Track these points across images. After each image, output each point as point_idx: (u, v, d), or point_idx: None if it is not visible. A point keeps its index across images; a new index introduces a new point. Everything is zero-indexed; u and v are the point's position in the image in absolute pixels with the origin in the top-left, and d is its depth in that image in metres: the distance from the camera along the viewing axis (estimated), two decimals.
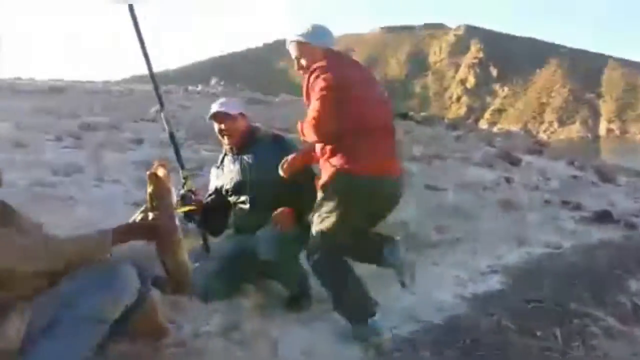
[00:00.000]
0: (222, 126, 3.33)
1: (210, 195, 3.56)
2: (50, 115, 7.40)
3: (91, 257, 2.06)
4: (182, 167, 3.40)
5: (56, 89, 10.46)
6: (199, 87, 13.14)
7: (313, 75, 2.79)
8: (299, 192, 3.22)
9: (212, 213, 3.44)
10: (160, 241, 2.28)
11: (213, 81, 18.98)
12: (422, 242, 4.78)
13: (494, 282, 3.99)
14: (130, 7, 3.32)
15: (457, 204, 6.22)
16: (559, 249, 5.02)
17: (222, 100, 3.49)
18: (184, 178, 3.34)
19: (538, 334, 3.00)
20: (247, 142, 3.38)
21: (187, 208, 2.92)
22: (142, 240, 2.24)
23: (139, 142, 6.49)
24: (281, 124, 9.97)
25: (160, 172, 2.22)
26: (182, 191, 3.22)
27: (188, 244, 2.52)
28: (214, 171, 3.61)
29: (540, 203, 6.81)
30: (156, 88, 3.45)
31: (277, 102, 13.69)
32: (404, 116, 14.91)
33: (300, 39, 2.96)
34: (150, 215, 2.21)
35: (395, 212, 5.40)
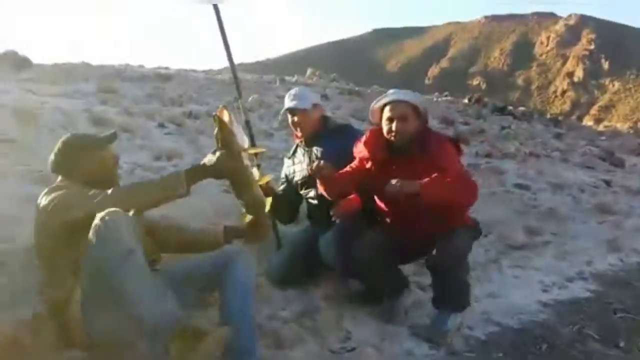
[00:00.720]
0: (295, 119, 3.42)
1: (282, 183, 3.66)
2: (156, 102, 7.88)
3: (168, 195, 2.20)
4: (256, 156, 3.53)
5: (162, 77, 11.06)
6: (295, 78, 13.44)
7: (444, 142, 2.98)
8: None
9: (282, 202, 3.52)
10: (231, 180, 2.44)
11: (308, 71, 19.31)
12: (509, 243, 4.72)
13: (580, 289, 3.87)
14: (215, 7, 3.54)
15: (550, 205, 6.02)
16: None
17: (294, 92, 3.53)
18: (255, 154, 3.42)
19: (621, 344, 2.91)
20: (317, 133, 3.45)
21: (254, 150, 2.97)
22: (213, 178, 2.35)
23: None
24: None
25: (225, 115, 2.34)
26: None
27: (262, 180, 2.70)
28: (286, 161, 3.70)
29: None
30: (235, 77, 3.68)
31: (369, 94, 13.69)
32: (502, 110, 14.39)
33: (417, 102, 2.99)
34: (217, 155, 2.31)
35: (484, 210, 5.39)
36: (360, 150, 3.06)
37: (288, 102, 3.44)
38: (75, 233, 2.12)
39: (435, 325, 2.92)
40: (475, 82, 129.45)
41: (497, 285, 3.81)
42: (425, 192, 2.68)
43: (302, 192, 3.53)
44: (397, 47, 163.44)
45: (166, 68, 15.14)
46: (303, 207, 3.74)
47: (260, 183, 2.70)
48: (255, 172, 2.64)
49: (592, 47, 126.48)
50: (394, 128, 2.90)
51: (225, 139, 2.32)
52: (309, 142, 3.47)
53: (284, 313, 3.01)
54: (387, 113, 2.96)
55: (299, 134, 3.49)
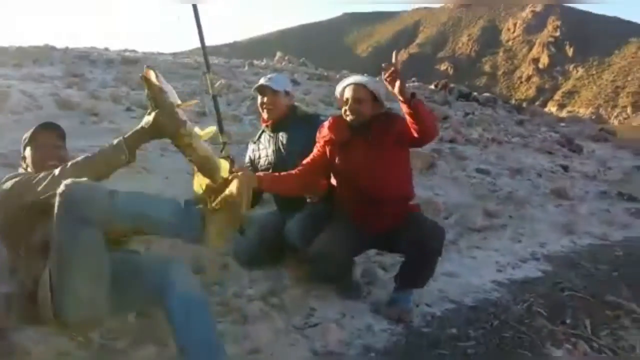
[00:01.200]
0: (265, 99, 3.45)
1: (248, 166, 3.63)
2: (124, 86, 7.84)
3: (113, 164, 2.24)
4: (221, 132, 3.57)
5: (129, 60, 10.93)
6: (264, 62, 13.43)
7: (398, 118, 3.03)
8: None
9: None
10: (172, 138, 2.41)
11: (278, 55, 19.21)
12: (468, 226, 4.90)
13: (533, 269, 4.05)
14: (194, 7, 3.56)
15: (509, 190, 6.24)
16: (605, 240, 4.98)
17: (270, 75, 3.57)
18: (223, 144, 3.50)
19: (567, 321, 3.06)
20: (284, 120, 3.48)
21: (187, 104, 2.95)
22: (152, 138, 2.38)
23: (203, 114, 6.80)
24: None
25: (152, 75, 2.34)
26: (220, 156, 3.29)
27: (205, 134, 2.73)
28: (251, 145, 3.73)
29: (596, 194, 6.70)
30: (204, 50, 3.61)
31: (337, 79, 13.75)
32: (467, 96, 14.62)
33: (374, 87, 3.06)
34: (152, 115, 2.32)
35: (445, 195, 5.57)
36: (323, 134, 3.15)
37: (261, 81, 3.47)
38: (32, 217, 2.17)
39: (400, 303, 3.06)
40: (443, 68, 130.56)
41: (455, 265, 3.96)
42: (420, 104, 2.81)
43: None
44: (367, 31, 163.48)
45: (133, 51, 14.92)
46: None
47: (202, 134, 2.60)
48: (197, 129, 2.63)
49: (558, 33, 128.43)
50: (348, 108, 3.02)
51: (157, 97, 2.35)
52: (275, 128, 3.50)
53: (250, 291, 3.11)
54: (345, 95, 3.07)
55: (266, 117, 3.51)
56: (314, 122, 3.48)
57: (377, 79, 3.33)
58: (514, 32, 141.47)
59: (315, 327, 2.84)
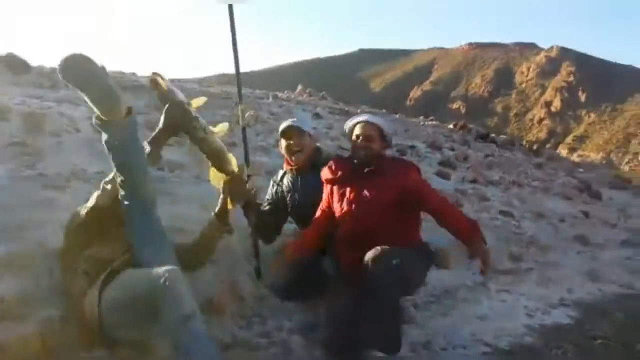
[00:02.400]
0: (292, 142, 3.46)
1: (267, 203, 3.67)
2: (155, 113, 7.99)
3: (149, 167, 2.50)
4: (248, 165, 3.52)
5: None
6: (287, 94, 13.68)
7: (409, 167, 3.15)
8: None
9: (266, 220, 3.55)
10: (187, 133, 2.67)
11: (299, 88, 19.51)
12: (495, 268, 4.93)
13: (563, 316, 4.05)
14: (230, 7, 3.64)
15: (532, 234, 6.28)
16: (631, 289, 4.97)
17: (294, 119, 3.57)
18: (248, 176, 3.39)
19: None
20: (309, 165, 3.50)
21: (198, 100, 2.95)
22: (169, 136, 2.64)
23: (233, 145, 6.90)
24: None
25: (159, 78, 2.58)
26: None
27: (220, 130, 2.87)
28: (271, 187, 3.73)
29: (618, 242, 6.72)
30: (239, 83, 3.60)
31: (358, 114, 13.96)
32: (485, 137, 14.75)
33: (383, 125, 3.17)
34: (163, 116, 2.60)
35: None
36: (325, 173, 3.24)
37: (284, 123, 3.51)
38: (79, 233, 2.49)
39: None
40: (455, 107, 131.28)
41: (485, 309, 3.99)
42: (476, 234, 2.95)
43: (294, 217, 3.65)
44: (382, 67, 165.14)
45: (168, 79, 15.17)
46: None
47: (217, 131, 2.87)
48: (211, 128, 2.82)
49: (571, 79, 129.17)
50: (359, 144, 3.12)
51: (166, 96, 2.58)
52: (300, 172, 3.52)
53: (288, 324, 3.19)
54: (356, 131, 3.16)
55: (294, 160, 3.51)
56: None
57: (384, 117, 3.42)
58: (527, 75, 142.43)
59: None
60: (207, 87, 13.99)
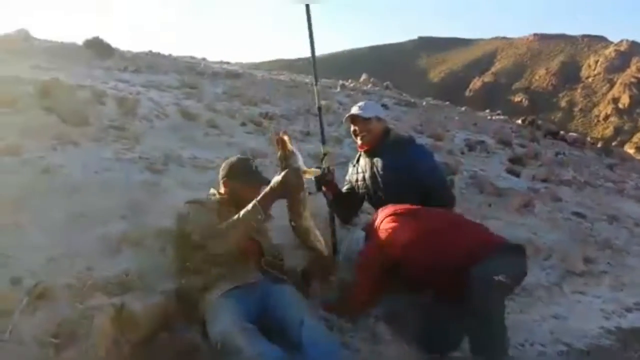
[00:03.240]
0: (356, 128, 3.65)
1: (345, 186, 3.88)
2: (235, 100, 8.32)
3: (253, 224, 2.62)
4: (324, 143, 3.84)
5: (233, 75, 11.58)
6: (352, 83, 13.83)
7: None
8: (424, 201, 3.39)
9: (344, 201, 3.78)
10: (289, 197, 2.78)
11: (363, 77, 19.59)
12: (569, 269, 4.94)
13: (639, 319, 4.03)
14: (307, 7, 3.82)
15: (606, 236, 6.21)
16: None
17: (360, 104, 3.78)
18: (324, 154, 3.76)
19: None
20: (378, 145, 3.62)
21: (312, 170, 3.08)
22: (278, 197, 2.69)
23: (308, 134, 7.12)
24: (430, 130, 10.30)
25: (286, 137, 2.72)
26: (320, 167, 3.61)
27: (310, 172, 3.00)
28: (350, 167, 3.94)
29: None
30: (314, 65, 3.93)
31: (424, 106, 13.93)
32: (555, 134, 14.44)
33: None
34: (282, 174, 2.66)
35: (544, 235, 5.61)
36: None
37: (352, 110, 3.69)
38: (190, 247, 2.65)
39: None
40: (517, 99, 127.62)
41: (562, 309, 4.03)
42: None
43: (368, 199, 3.77)
44: (441, 57, 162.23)
45: (227, 63, 15.65)
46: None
47: (308, 170, 2.93)
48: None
49: None
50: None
51: (288, 158, 2.70)
52: (370, 153, 3.67)
53: (374, 312, 3.28)
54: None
55: (360, 143, 3.69)
56: (406, 148, 3.62)
57: None
58: (594, 69, 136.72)
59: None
60: (278, 76, 14.28)
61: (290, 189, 2.69)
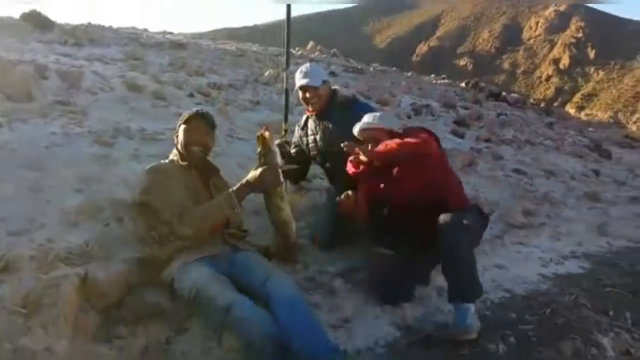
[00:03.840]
0: (307, 95, 3.76)
1: (293, 148, 4.06)
2: (181, 71, 8.22)
3: (226, 214, 2.70)
4: (286, 120, 4.16)
5: (177, 45, 11.36)
6: (299, 51, 13.84)
7: None
8: None
9: (293, 162, 3.82)
10: (268, 193, 2.84)
11: (310, 44, 19.53)
12: (510, 222, 5.23)
13: (574, 266, 4.34)
14: (288, 7, 3.98)
15: (544, 190, 6.55)
16: (639, 243, 5.24)
17: (305, 69, 3.82)
18: (284, 130, 4.08)
19: (610, 313, 3.37)
20: (327, 108, 3.80)
21: (291, 167, 3.29)
22: (253, 191, 2.76)
23: (257, 103, 7.16)
24: (377, 96, 10.45)
25: (267, 134, 2.73)
26: (279, 140, 3.79)
27: (293, 201, 3.15)
28: (297, 130, 4.08)
29: (627, 198, 7.00)
30: (287, 53, 4.32)
31: (371, 72, 14.06)
32: (497, 96, 14.87)
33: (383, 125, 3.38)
34: (259, 170, 2.71)
35: (487, 191, 5.89)
36: (349, 169, 3.46)
37: (300, 79, 3.76)
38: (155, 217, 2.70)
39: (457, 324, 2.89)
40: (462, 63, 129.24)
41: (503, 259, 4.28)
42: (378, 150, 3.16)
43: (316, 161, 3.98)
44: (386, 22, 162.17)
45: (170, 33, 15.31)
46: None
47: (290, 199, 3.16)
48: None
49: (580, 35, 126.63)
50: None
51: (268, 156, 2.73)
52: (320, 116, 3.84)
53: (331, 269, 3.51)
54: (363, 136, 3.37)
55: (311, 109, 3.85)
56: (354, 107, 3.80)
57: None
58: (535, 30, 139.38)
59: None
60: (223, 45, 14.08)
61: (267, 185, 2.77)
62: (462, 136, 8.50)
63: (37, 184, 3.27)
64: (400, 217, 3.37)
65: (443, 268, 3.01)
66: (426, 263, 3.41)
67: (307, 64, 4.00)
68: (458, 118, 9.84)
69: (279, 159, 2.81)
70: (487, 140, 8.55)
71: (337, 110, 3.79)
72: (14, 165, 3.43)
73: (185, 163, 2.96)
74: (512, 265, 4.19)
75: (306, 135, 3.95)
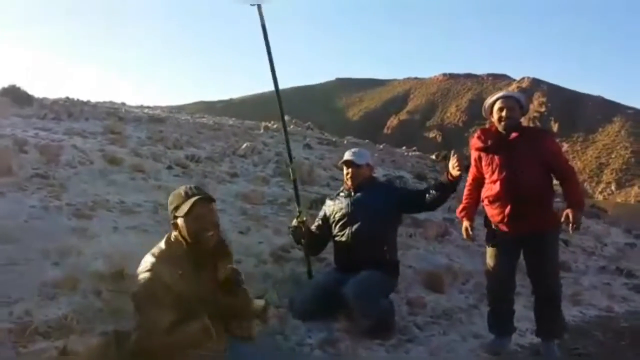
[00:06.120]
0: (349, 171, 4.14)
1: (318, 221, 4.33)
2: (159, 144, 8.35)
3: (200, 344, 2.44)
4: (298, 204, 4.30)
5: (156, 119, 11.58)
6: (274, 125, 14.16)
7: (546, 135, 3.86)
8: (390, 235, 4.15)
9: (315, 238, 4.25)
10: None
11: (286, 118, 19.84)
12: (484, 292, 5.31)
13: None
14: (259, 7, 4.09)
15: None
16: (610, 312, 5.36)
17: (354, 150, 4.34)
18: (299, 212, 4.21)
19: None
20: (364, 184, 4.15)
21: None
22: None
23: (234, 175, 7.28)
24: None
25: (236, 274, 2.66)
26: (294, 222, 4.22)
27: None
28: (328, 202, 4.39)
29: (596, 268, 7.14)
30: (289, 148, 4.54)
31: (345, 145, 14.39)
32: (467, 167, 15.21)
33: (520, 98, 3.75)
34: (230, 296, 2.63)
35: (461, 260, 5.96)
36: (474, 143, 3.77)
37: (347, 156, 4.19)
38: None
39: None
40: (431, 135, 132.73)
41: (480, 328, 4.33)
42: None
43: (335, 229, 4.16)
44: (358, 97, 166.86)
45: (148, 107, 15.57)
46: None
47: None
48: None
49: (543, 109, 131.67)
50: (503, 115, 3.58)
51: (233, 278, 2.65)
52: (355, 190, 4.17)
53: (309, 340, 3.53)
54: (498, 105, 3.64)
55: (349, 184, 4.19)
56: (387, 187, 4.52)
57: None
58: None
59: None
60: (200, 119, 14.36)
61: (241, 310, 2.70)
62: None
63: (15, 257, 3.28)
64: None
65: None
66: None
67: (357, 148, 4.69)
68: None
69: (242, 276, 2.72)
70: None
71: (372, 187, 4.21)
72: None
73: (191, 253, 2.62)
74: (489, 334, 4.23)
75: (335, 205, 4.23)
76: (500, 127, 3.61)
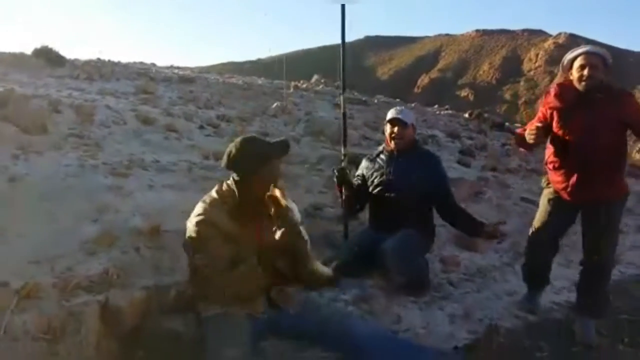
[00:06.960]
0: (395, 130, 3.92)
1: (356, 181, 4.17)
2: (190, 104, 8.38)
3: (255, 282, 2.48)
4: (345, 146, 4.21)
5: (186, 79, 11.60)
6: (304, 84, 14.04)
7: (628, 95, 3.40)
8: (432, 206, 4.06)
9: (357, 196, 4.10)
10: (293, 253, 2.56)
11: (315, 77, 19.81)
12: (519, 250, 5.16)
13: None
14: (343, 7, 4.12)
15: None
16: None
17: (399, 108, 4.09)
18: (344, 155, 4.17)
19: (625, 340, 3.41)
20: (408, 150, 3.98)
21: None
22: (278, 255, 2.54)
23: (265, 135, 7.26)
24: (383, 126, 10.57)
25: (277, 192, 2.42)
26: (340, 165, 4.09)
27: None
28: (365, 162, 4.21)
29: (636, 227, 7.00)
30: (343, 78, 4.45)
31: (375, 104, 14.23)
32: (500, 126, 15.00)
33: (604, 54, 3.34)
34: (279, 233, 2.42)
35: (496, 219, 5.89)
36: (548, 100, 3.43)
37: (393, 114, 3.96)
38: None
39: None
40: (463, 94, 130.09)
41: (515, 286, 4.29)
42: None
43: (375, 191, 4.03)
44: (388, 55, 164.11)
45: (178, 68, 15.60)
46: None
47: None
48: None
49: None
50: (585, 73, 3.21)
51: (284, 215, 2.42)
52: (398, 154, 3.99)
53: (344, 296, 3.53)
54: (579, 62, 3.25)
55: (393, 145, 3.99)
56: (432, 160, 4.10)
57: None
58: (535, 62, 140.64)
59: (406, 332, 3.26)
60: (229, 79, 14.34)
61: (291, 248, 2.53)
62: (468, 165, 8.55)
63: (55, 215, 3.34)
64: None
65: None
66: None
67: (401, 107, 4.41)
68: (463, 148, 9.91)
69: (297, 216, 2.57)
70: (493, 170, 8.58)
71: (416, 157, 3.99)
72: (32, 197, 3.51)
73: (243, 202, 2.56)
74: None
75: (374, 168, 4.08)
76: (580, 87, 3.25)
